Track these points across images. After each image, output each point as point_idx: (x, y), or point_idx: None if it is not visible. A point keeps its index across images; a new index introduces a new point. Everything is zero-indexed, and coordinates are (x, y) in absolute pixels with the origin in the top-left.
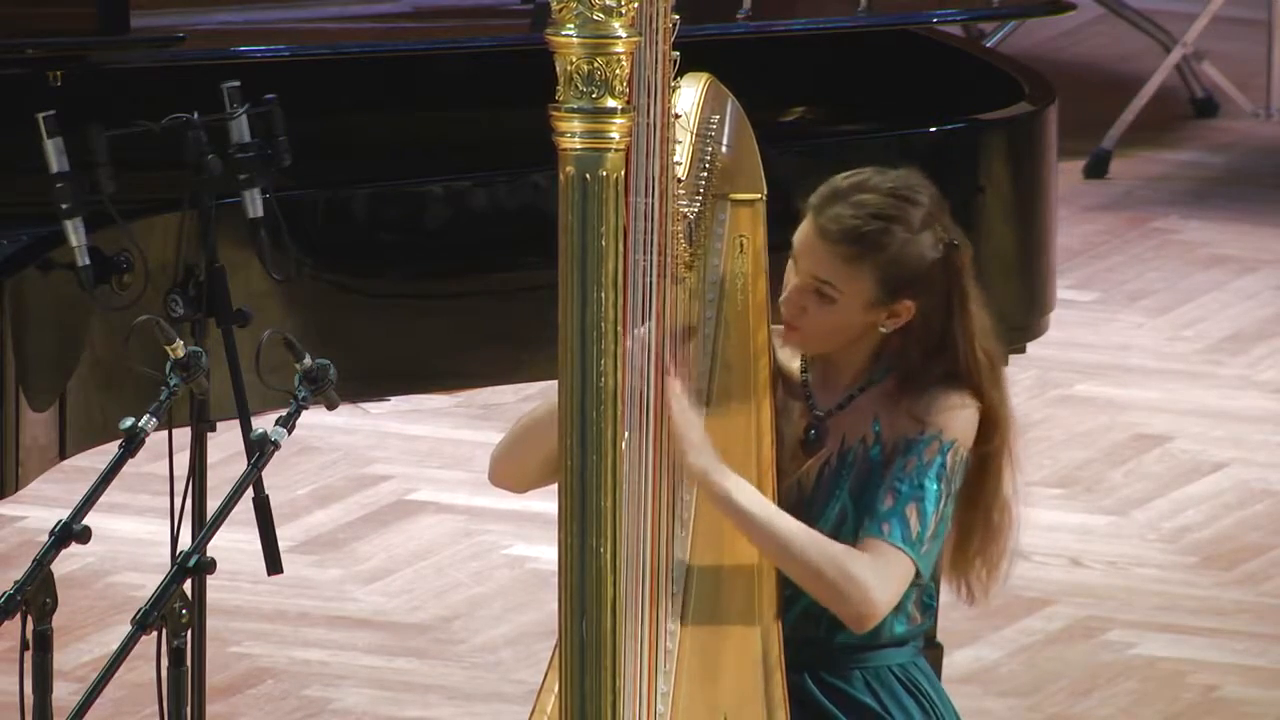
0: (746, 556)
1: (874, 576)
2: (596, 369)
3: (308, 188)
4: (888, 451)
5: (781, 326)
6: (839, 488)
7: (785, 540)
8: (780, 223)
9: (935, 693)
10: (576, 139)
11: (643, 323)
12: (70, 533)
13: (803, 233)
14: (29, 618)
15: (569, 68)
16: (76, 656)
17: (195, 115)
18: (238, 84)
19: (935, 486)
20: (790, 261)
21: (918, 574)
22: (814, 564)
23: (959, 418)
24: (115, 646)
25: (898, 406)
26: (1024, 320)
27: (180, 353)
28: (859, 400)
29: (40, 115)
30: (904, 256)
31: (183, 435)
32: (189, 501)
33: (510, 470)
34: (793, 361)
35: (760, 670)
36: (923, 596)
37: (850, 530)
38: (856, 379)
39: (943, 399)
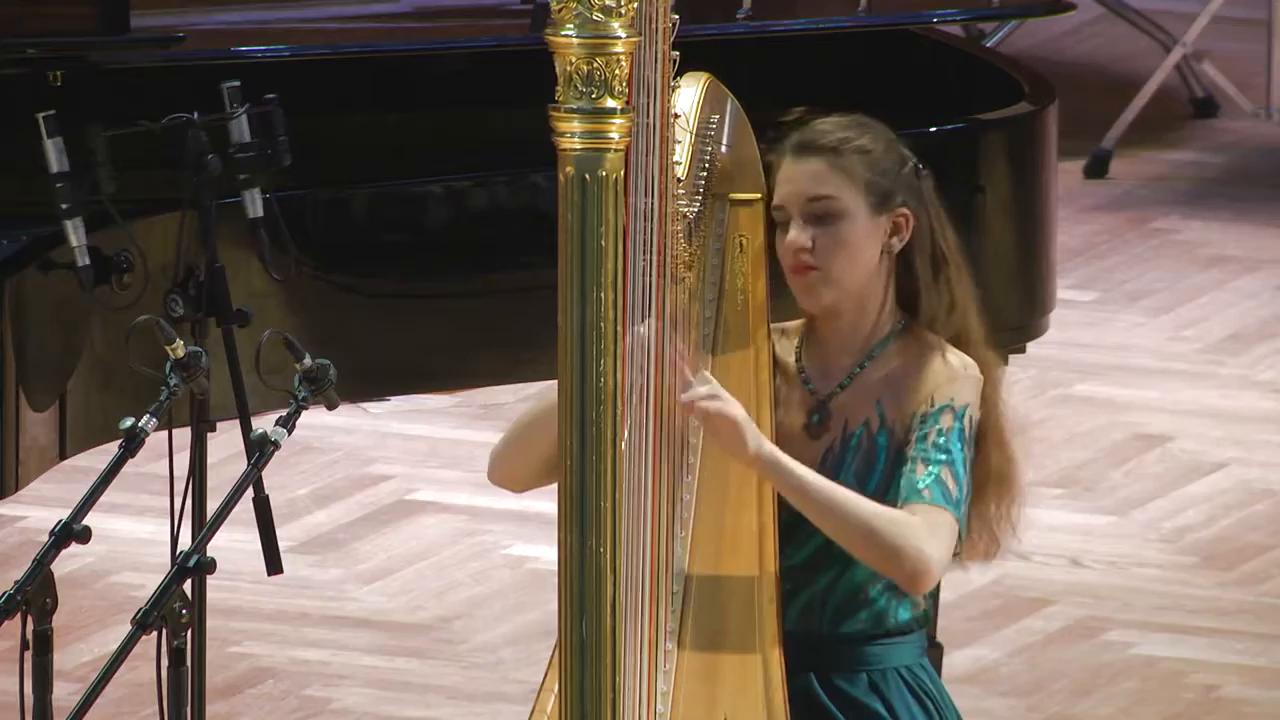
0: (747, 555)
1: (928, 535)
2: (596, 369)
3: (308, 188)
4: (897, 434)
5: (788, 321)
6: (842, 472)
7: (841, 507)
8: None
9: (940, 695)
10: (576, 139)
11: (642, 321)
12: (70, 533)
13: (783, 171)
14: (29, 618)
15: (568, 68)
16: (76, 656)
17: (195, 115)
18: (238, 84)
19: (959, 448)
20: (779, 227)
21: (959, 535)
22: (870, 528)
23: (964, 385)
24: (115, 646)
25: (900, 385)
26: (1024, 320)
27: (180, 353)
28: (860, 378)
29: (40, 115)
30: (883, 156)
31: (183, 435)
32: (189, 501)
33: (509, 469)
34: (787, 355)
35: (761, 670)
36: None
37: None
38: (857, 357)
39: (945, 372)
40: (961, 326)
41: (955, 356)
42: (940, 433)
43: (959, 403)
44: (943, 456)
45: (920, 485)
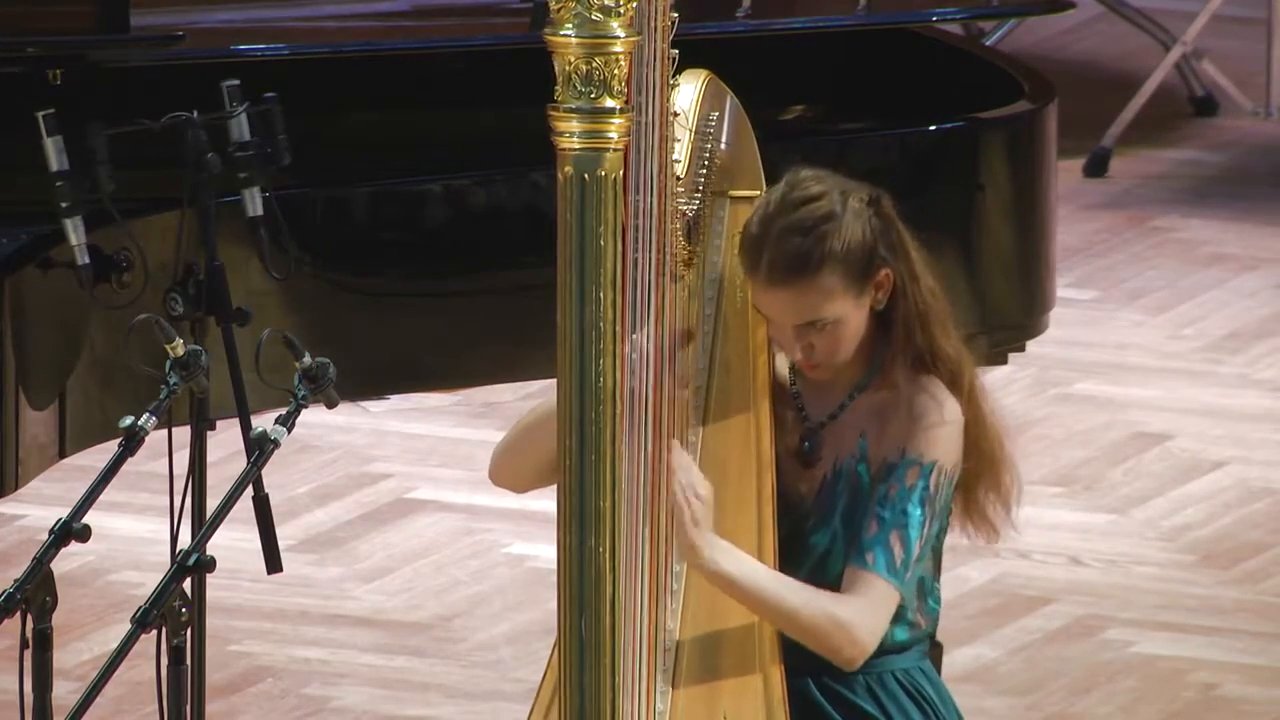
0: (746, 555)
1: (859, 616)
2: (595, 369)
3: (307, 186)
4: (873, 471)
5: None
6: (834, 509)
7: (775, 602)
8: None
9: (938, 696)
10: (575, 139)
11: (641, 323)
12: (70, 531)
13: (761, 297)
14: (29, 616)
15: (567, 68)
16: (76, 655)
17: (195, 114)
18: (237, 83)
19: (919, 512)
20: (767, 322)
21: (901, 599)
22: (802, 618)
23: (939, 438)
24: (115, 645)
25: (882, 419)
26: (1023, 319)
27: (180, 351)
28: (849, 409)
29: (40, 114)
30: (851, 241)
31: (182, 434)
32: (189, 500)
33: (510, 470)
34: (783, 369)
35: (760, 670)
36: (926, 602)
37: (840, 552)
38: (847, 387)
39: (922, 418)
40: (926, 338)
41: (934, 401)
42: (902, 492)
43: (927, 458)
44: (897, 518)
45: (866, 548)
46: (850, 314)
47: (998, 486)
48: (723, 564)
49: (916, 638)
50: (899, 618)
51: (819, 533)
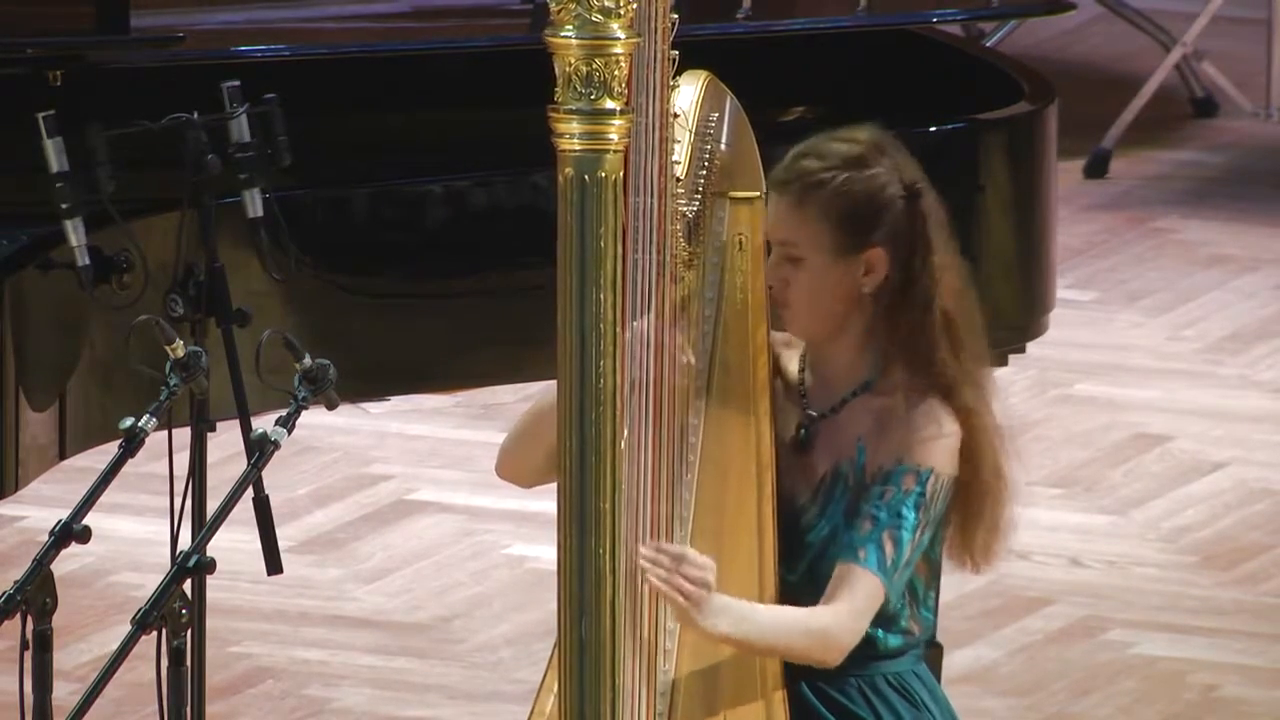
0: (745, 559)
1: (838, 619)
2: (595, 370)
3: (307, 187)
4: (869, 479)
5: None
6: (832, 508)
7: (765, 644)
8: None
9: (932, 698)
10: (575, 140)
11: (642, 314)
12: (70, 532)
13: (769, 208)
14: (29, 617)
15: (567, 69)
16: (76, 656)
17: (195, 115)
18: (237, 84)
19: (913, 515)
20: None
21: (886, 599)
22: (784, 646)
23: (936, 448)
24: (115, 646)
25: (881, 429)
26: (1023, 320)
27: (180, 352)
28: (852, 406)
29: (40, 115)
30: (850, 191)
31: (183, 435)
32: (189, 501)
33: (517, 463)
34: (791, 364)
35: (760, 670)
36: (920, 610)
37: (837, 549)
38: (849, 381)
39: (920, 430)
40: (928, 345)
41: (931, 418)
42: (898, 495)
43: (924, 465)
44: (892, 519)
45: (859, 544)
46: (825, 268)
47: (998, 511)
48: (721, 627)
49: (911, 644)
50: (893, 625)
51: (818, 527)
